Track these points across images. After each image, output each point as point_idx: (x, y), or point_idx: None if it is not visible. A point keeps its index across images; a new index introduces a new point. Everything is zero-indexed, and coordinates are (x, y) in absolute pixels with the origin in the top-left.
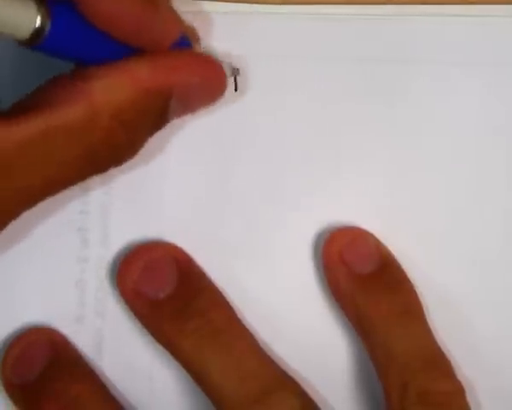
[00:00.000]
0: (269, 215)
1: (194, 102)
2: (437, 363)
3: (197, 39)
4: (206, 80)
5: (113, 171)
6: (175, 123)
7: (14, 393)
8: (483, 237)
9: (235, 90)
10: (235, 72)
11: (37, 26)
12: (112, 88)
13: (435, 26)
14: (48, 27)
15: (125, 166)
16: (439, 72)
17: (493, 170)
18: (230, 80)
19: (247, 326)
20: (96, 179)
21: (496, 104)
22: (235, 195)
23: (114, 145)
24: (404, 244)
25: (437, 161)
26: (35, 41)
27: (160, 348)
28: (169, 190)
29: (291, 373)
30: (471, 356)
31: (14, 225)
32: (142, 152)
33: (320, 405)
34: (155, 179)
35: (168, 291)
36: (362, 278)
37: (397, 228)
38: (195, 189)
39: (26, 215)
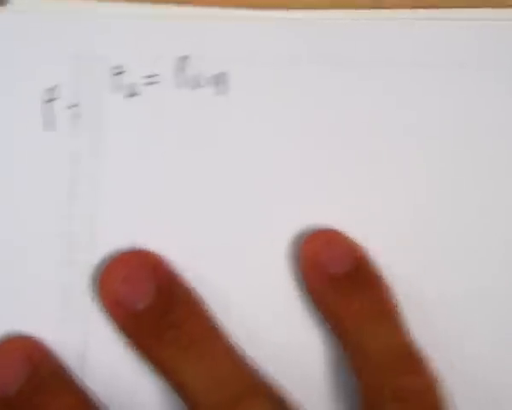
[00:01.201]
0: (246, 218)
1: None
2: (411, 360)
3: None
4: None
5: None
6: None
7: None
8: (455, 236)
9: None
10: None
11: None
12: None
13: (394, 30)
14: None
15: (112, 171)
16: (403, 74)
17: (458, 169)
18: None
19: (225, 331)
20: (83, 184)
21: (451, 105)
22: (213, 199)
23: None
24: (380, 244)
25: (406, 162)
26: None
27: None
28: (151, 196)
29: (268, 376)
30: (445, 352)
31: None
32: (129, 159)
33: (295, 405)
34: (142, 181)
35: (147, 302)
36: (337, 279)
37: (372, 228)
38: (177, 194)
39: (11, 217)
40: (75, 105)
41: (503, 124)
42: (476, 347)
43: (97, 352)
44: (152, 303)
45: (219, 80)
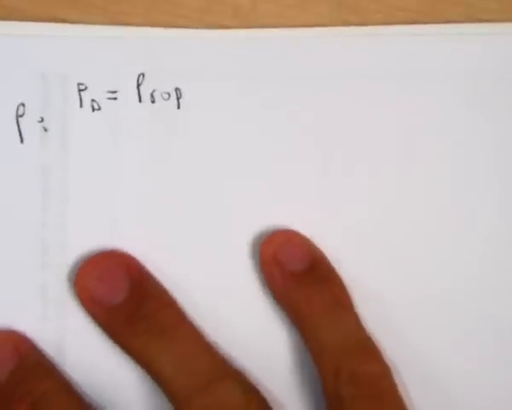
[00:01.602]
0: (212, 221)
1: None
2: (365, 348)
3: None
4: None
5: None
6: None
7: None
8: (408, 233)
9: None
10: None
11: None
12: None
13: (341, 46)
14: None
15: (80, 179)
16: (355, 87)
17: (425, 172)
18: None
19: (193, 322)
20: (53, 193)
21: (402, 115)
22: (174, 203)
23: None
24: (334, 243)
25: (364, 164)
26: None
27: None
28: (115, 201)
29: (234, 363)
30: (396, 342)
31: None
32: (94, 168)
33: (262, 390)
34: (108, 188)
35: (121, 297)
36: (295, 276)
37: (327, 228)
38: (138, 199)
39: None
40: (43, 120)
41: (459, 131)
42: (434, 346)
43: (75, 347)
44: (125, 298)
45: (174, 95)
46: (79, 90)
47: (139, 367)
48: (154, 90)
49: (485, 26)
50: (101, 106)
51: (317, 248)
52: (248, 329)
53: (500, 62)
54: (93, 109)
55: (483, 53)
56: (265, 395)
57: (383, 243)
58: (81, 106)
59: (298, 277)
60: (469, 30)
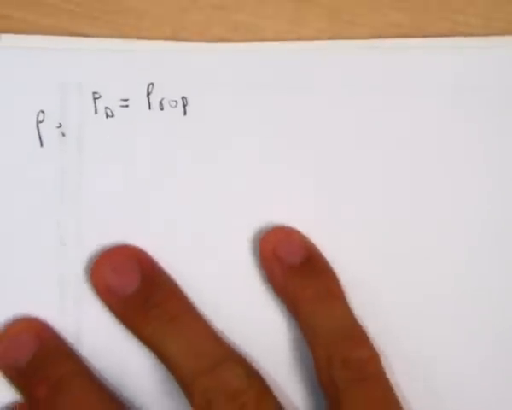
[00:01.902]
0: (216, 219)
1: None
2: (356, 335)
3: None
4: None
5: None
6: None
7: (11, 378)
8: (396, 235)
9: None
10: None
11: None
12: None
13: (336, 59)
14: None
15: (94, 180)
16: (344, 95)
17: (401, 177)
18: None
19: (199, 311)
20: (70, 191)
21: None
22: (186, 200)
23: None
24: (328, 239)
25: (355, 168)
26: None
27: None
28: (127, 200)
29: (236, 348)
30: (383, 330)
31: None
32: (108, 170)
33: (262, 374)
34: (120, 188)
35: (133, 288)
36: (292, 269)
37: (321, 225)
38: (149, 198)
39: (12, 220)
40: (61, 125)
41: (445, 139)
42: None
43: (92, 335)
44: (137, 289)
45: (180, 103)
46: (94, 99)
47: (150, 352)
48: (162, 99)
49: (468, 40)
50: (115, 113)
51: (313, 244)
52: (250, 319)
53: (484, 74)
54: (107, 116)
55: (467, 65)
56: (266, 378)
57: (377, 244)
58: (96, 113)
59: (295, 270)
60: (454, 43)
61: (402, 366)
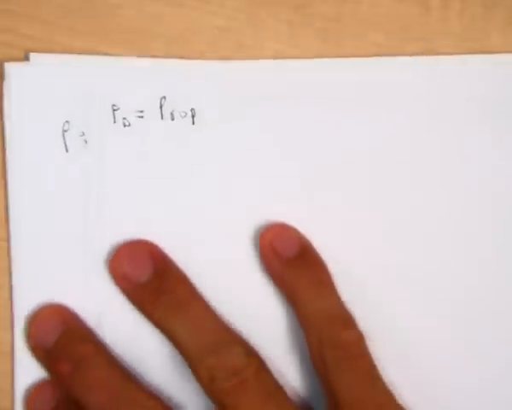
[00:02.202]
0: (221, 217)
1: None
2: (343, 318)
3: None
4: None
5: (105, 187)
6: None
7: (39, 357)
8: (383, 222)
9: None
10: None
11: None
12: None
13: (327, 75)
14: None
15: (114, 182)
16: (333, 108)
17: (383, 187)
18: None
19: (205, 298)
20: (93, 190)
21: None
22: (194, 201)
23: None
24: (321, 234)
25: (341, 176)
26: None
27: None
28: (143, 200)
29: (238, 331)
30: (368, 316)
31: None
32: (126, 174)
33: (261, 354)
34: (136, 190)
35: (146, 276)
36: (288, 261)
37: (314, 221)
38: (163, 200)
39: (42, 218)
40: (84, 134)
41: (422, 150)
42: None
43: (112, 319)
44: (150, 277)
45: (189, 114)
46: (113, 110)
47: (161, 334)
48: (173, 110)
49: (443, 58)
50: (131, 123)
51: (307, 239)
52: (251, 304)
53: (454, 90)
54: (124, 125)
55: (441, 82)
56: (264, 358)
57: (358, 228)
58: (114, 122)
59: (290, 261)
60: (429, 62)
61: (391, 351)
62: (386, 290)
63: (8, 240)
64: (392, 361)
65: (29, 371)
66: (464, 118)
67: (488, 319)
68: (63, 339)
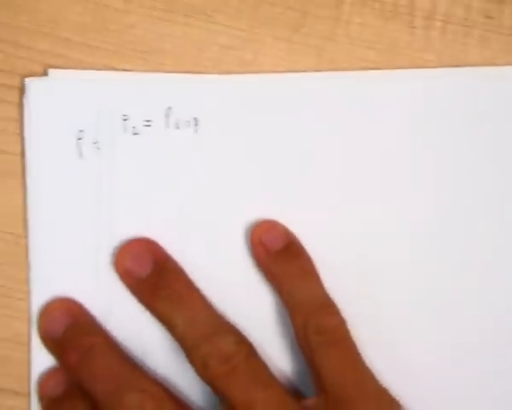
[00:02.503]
0: (217, 217)
1: None
2: (327, 305)
3: None
4: None
5: (115, 190)
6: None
7: (49, 347)
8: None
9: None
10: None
11: None
12: None
13: (320, 87)
14: None
15: (124, 186)
16: (327, 116)
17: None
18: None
19: (200, 291)
20: (104, 193)
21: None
22: (194, 202)
23: None
24: (305, 230)
25: (333, 166)
26: None
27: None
28: (149, 202)
29: (229, 320)
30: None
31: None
32: (135, 178)
33: (252, 341)
34: (144, 192)
35: (148, 272)
36: (275, 253)
37: (299, 218)
38: (168, 201)
39: (58, 219)
40: (97, 142)
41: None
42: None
43: (119, 312)
44: (151, 273)
45: (192, 123)
46: (123, 120)
47: (161, 325)
48: (177, 119)
49: (426, 71)
50: (139, 131)
51: (292, 233)
52: (242, 294)
53: (437, 101)
54: (133, 134)
55: (424, 93)
56: (254, 344)
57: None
58: (125, 131)
59: (277, 254)
60: (413, 75)
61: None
62: (381, 287)
63: (26, 237)
64: (379, 349)
65: (44, 359)
66: (447, 124)
67: (474, 304)
68: (71, 331)
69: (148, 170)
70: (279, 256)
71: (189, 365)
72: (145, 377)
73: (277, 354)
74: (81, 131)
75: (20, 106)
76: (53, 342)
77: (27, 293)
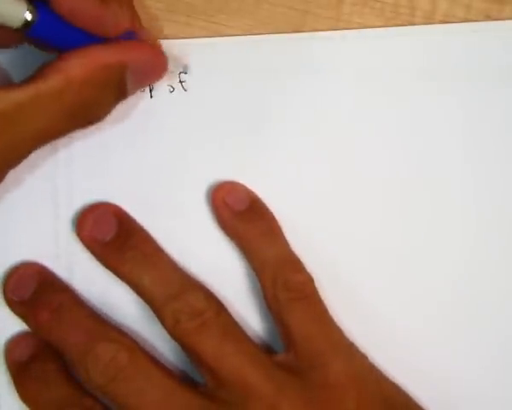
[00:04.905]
0: (178, 183)
1: (143, 77)
2: (293, 262)
3: (144, 32)
4: (151, 59)
5: (77, 140)
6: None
7: (15, 308)
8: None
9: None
10: (184, 68)
11: (26, 18)
12: (80, 64)
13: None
14: (34, 19)
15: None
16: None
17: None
18: (176, 74)
19: (166, 252)
20: (60, 154)
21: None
22: (174, 168)
23: (85, 106)
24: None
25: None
26: (25, 29)
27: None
28: (116, 162)
29: (197, 279)
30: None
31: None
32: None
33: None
34: (111, 152)
35: (111, 235)
36: (239, 214)
37: (269, 185)
38: (138, 164)
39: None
40: None
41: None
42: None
43: (81, 274)
44: (115, 235)
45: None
46: None
47: (127, 286)
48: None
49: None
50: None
51: (255, 193)
52: (207, 257)
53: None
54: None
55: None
56: (224, 303)
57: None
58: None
59: (241, 214)
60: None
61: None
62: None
63: None
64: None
65: (9, 325)
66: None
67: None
68: (39, 291)
69: (106, 132)
70: (244, 216)
71: (156, 328)
72: (114, 330)
73: (245, 313)
74: None
75: None
76: (21, 305)
77: None
